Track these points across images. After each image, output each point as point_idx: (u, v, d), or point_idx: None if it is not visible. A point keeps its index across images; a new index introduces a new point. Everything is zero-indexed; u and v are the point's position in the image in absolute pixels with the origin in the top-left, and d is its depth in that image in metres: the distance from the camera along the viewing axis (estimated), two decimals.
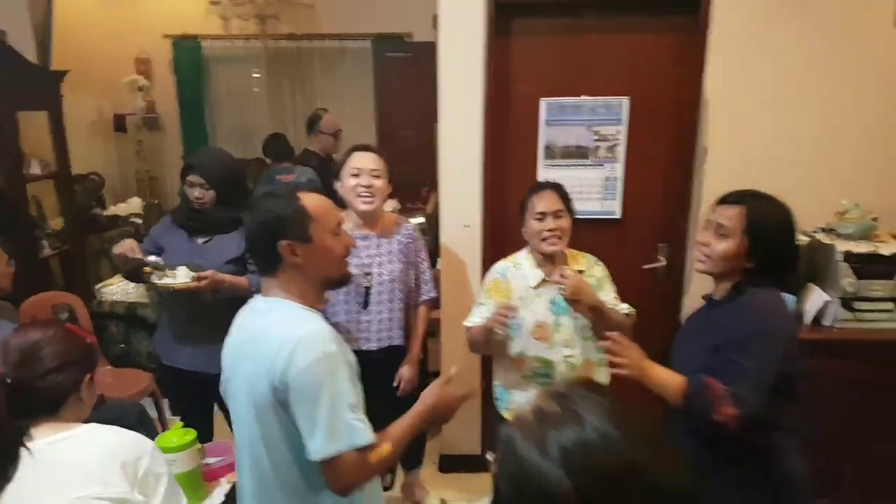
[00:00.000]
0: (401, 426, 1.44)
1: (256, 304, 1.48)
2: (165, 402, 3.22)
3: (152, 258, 2.26)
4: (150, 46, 5.46)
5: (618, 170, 2.84)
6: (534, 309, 2.14)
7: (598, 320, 2.06)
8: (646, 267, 2.92)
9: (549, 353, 2.13)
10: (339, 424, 1.30)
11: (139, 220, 4.63)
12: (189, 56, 5.55)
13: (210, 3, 5.01)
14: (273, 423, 1.35)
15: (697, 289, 2.56)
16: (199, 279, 2.22)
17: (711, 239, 1.67)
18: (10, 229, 3.18)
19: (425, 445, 2.90)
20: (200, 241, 2.42)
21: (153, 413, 3.04)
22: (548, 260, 2.15)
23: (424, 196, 4.30)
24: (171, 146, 5.67)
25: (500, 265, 2.26)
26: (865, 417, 2.49)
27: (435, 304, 2.69)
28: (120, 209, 4.60)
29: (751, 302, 1.62)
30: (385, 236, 2.43)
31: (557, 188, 2.18)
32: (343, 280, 1.54)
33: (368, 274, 2.37)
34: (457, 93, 2.73)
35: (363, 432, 1.32)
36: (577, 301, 2.02)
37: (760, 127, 2.69)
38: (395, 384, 2.49)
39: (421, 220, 3.71)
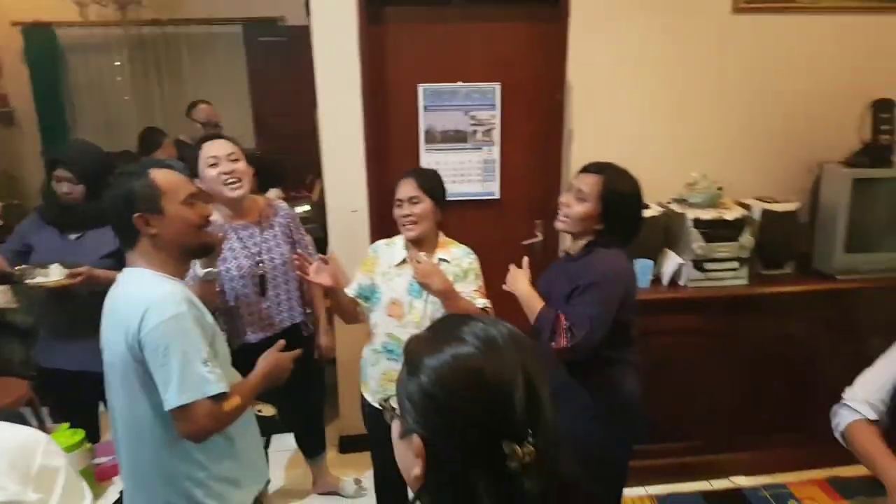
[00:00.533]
0: (246, 385, 1.63)
1: (121, 276, 1.57)
2: (45, 410, 3.05)
3: (18, 267, 2.18)
4: None
5: (495, 152, 3.00)
6: (393, 286, 2.18)
7: (450, 308, 2.08)
8: (524, 243, 3.12)
9: (399, 331, 2.16)
10: (192, 376, 1.42)
11: None
12: (43, 45, 5.13)
13: None
14: (134, 381, 1.47)
15: None
16: (73, 276, 2.15)
17: (572, 201, 1.94)
18: None
19: (324, 431, 2.95)
20: (73, 237, 2.33)
21: (33, 422, 2.87)
22: (415, 244, 2.19)
23: (309, 184, 4.29)
24: (29, 142, 5.24)
25: (377, 242, 2.34)
26: (716, 359, 2.81)
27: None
28: None
29: (597, 258, 1.92)
30: (264, 221, 2.43)
31: (418, 175, 2.20)
32: (205, 247, 1.66)
33: (260, 262, 2.38)
34: (334, 80, 2.78)
35: (215, 383, 1.45)
36: (427, 285, 2.05)
37: (619, 108, 2.94)
38: (315, 357, 2.63)
39: (307, 207, 3.72)
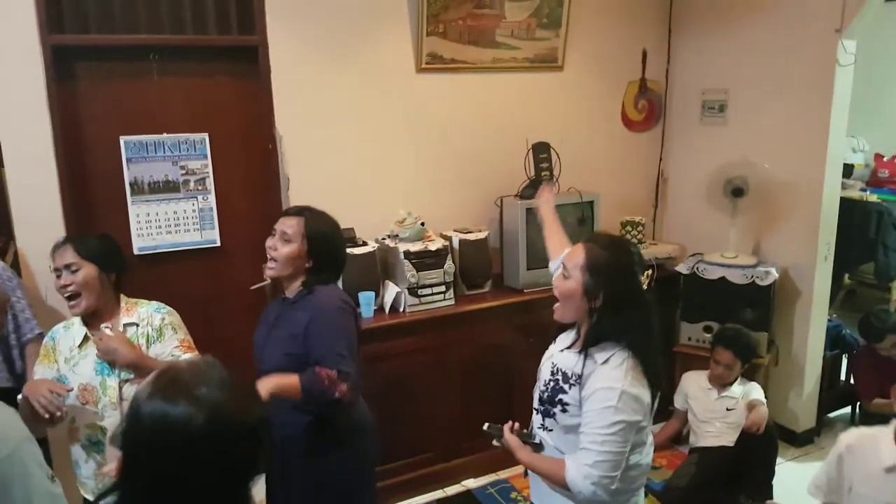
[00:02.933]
0: None
1: None
2: None
3: None
4: None
5: (211, 200, 3.02)
6: (80, 371, 1.96)
7: (142, 376, 1.85)
8: (253, 287, 3.15)
9: (98, 419, 1.95)
10: (47, 499, 1.35)
11: None
12: None
13: None
14: None
15: None
16: None
17: (278, 244, 2.02)
18: None
19: None
20: None
21: None
22: (92, 316, 1.99)
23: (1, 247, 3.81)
24: None
25: (55, 328, 2.08)
26: (438, 374, 3.13)
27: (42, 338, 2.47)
28: None
29: (321, 295, 1.98)
30: None
31: (73, 241, 2.00)
32: None
33: None
34: (21, 139, 2.60)
35: (62, 498, 1.40)
36: (112, 361, 1.92)
37: (329, 156, 3.18)
38: None
39: None
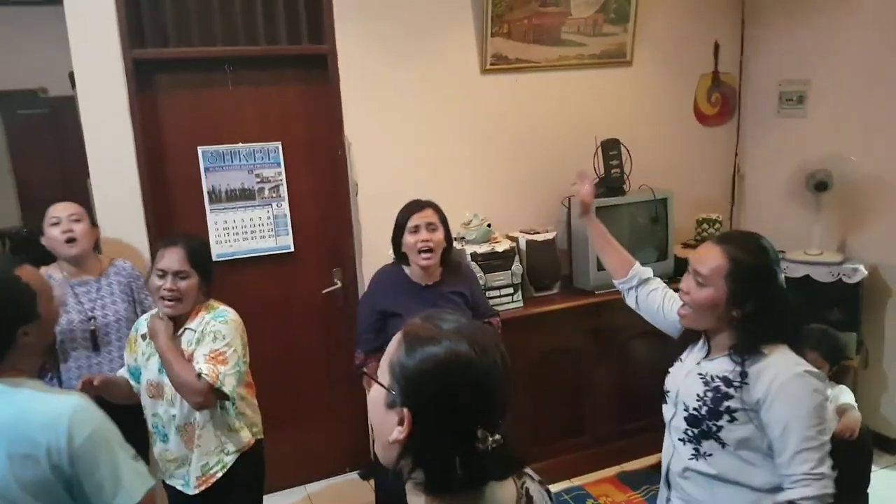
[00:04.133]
0: None
1: None
2: None
3: None
4: None
5: (285, 207, 3.09)
6: (148, 367, 2.05)
7: (167, 370, 1.95)
8: (324, 291, 3.23)
9: (161, 410, 2.05)
10: (133, 475, 1.41)
11: None
12: None
13: None
14: (50, 501, 1.34)
15: None
16: None
17: (429, 233, 2.43)
18: None
19: None
20: None
21: None
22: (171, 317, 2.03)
23: None
24: None
25: (142, 317, 2.16)
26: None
27: None
28: None
29: (463, 265, 2.51)
30: (102, 278, 2.49)
31: (187, 243, 2.03)
32: (52, 345, 1.63)
33: (92, 318, 2.41)
34: (106, 149, 2.72)
35: (148, 475, 1.45)
36: (154, 341, 1.98)
37: (396, 160, 3.20)
38: None
39: None
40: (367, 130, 3.12)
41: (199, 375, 1.89)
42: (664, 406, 1.74)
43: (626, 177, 3.33)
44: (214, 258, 2.97)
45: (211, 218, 2.97)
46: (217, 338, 1.98)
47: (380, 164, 3.17)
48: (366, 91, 3.09)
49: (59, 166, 4.89)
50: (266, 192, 3.06)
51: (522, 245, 3.18)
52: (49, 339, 1.51)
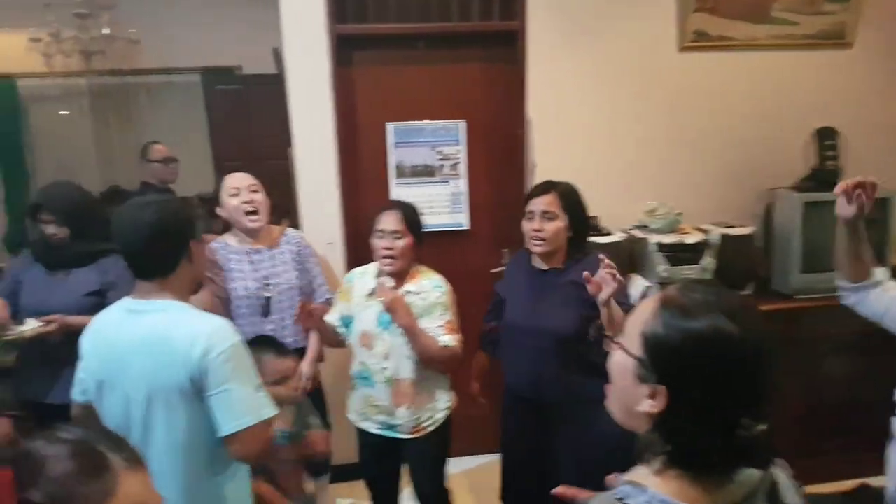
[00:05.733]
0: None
1: (133, 305, 1.54)
2: None
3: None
4: None
5: (462, 185, 3.09)
6: (363, 318, 2.21)
7: (412, 343, 2.12)
8: (493, 271, 3.18)
9: (371, 361, 2.20)
10: (252, 400, 1.49)
11: None
12: (3, 96, 5.15)
13: (30, 40, 4.71)
14: (187, 410, 1.48)
15: None
16: (47, 322, 2.19)
17: (543, 223, 2.11)
18: None
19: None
20: (59, 275, 2.36)
21: None
22: (391, 276, 2.21)
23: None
24: None
25: (352, 272, 2.37)
26: None
27: (330, 304, 2.74)
28: None
29: (592, 259, 2.03)
30: (275, 247, 2.55)
31: (403, 208, 2.21)
32: (199, 285, 1.75)
33: (267, 285, 2.47)
34: (309, 121, 2.86)
35: (269, 406, 1.52)
36: (393, 317, 2.09)
37: (577, 141, 3.07)
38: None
39: None
40: (549, 109, 3.02)
41: (447, 347, 2.12)
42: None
43: (841, 170, 2.94)
44: None
45: (395, 192, 3.03)
46: (445, 310, 2.19)
47: (560, 144, 3.06)
48: (551, 69, 2.99)
49: (247, 139, 5.28)
50: (446, 168, 3.07)
51: (715, 239, 2.91)
52: (201, 273, 1.64)
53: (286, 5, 2.77)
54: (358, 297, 2.24)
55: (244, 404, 1.47)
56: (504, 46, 2.99)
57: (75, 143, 5.42)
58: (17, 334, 2.20)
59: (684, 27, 3.02)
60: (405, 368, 2.17)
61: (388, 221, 2.16)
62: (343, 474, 3.14)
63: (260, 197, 2.48)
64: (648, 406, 0.87)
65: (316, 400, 2.84)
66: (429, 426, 2.24)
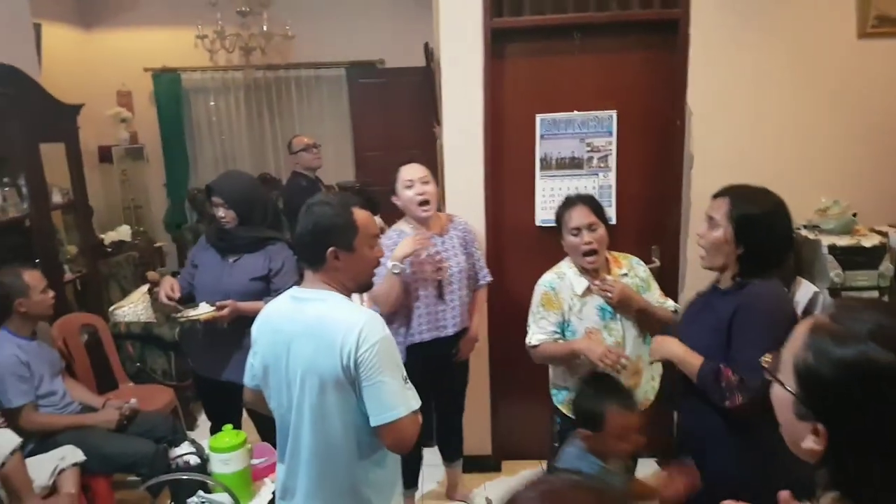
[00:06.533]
0: None
1: (298, 293, 1.63)
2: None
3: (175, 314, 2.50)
4: (130, 80, 5.57)
5: (611, 178, 3.01)
6: (583, 316, 2.19)
7: (645, 320, 2.15)
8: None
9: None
10: (401, 392, 1.54)
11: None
12: (169, 88, 5.66)
13: (197, 37, 5.15)
14: (339, 398, 1.54)
15: (692, 285, 2.74)
16: (220, 308, 2.39)
17: (704, 230, 1.80)
18: (38, 256, 3.24)
19: (463, 439, 3.02)
20: (230, 259, 2.58)
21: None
22: (595, 270, 2.19)
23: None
24: (154, 175, 5.73)
25: (546, 278, 2.28)
26: None
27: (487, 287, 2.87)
28: (110, 237, 4.60)
29: (754, 291, 1.70)
30: (444, 234, 2.67)
31: (588, 201, 2.20)
32: (365, 287, 1.76)
33: (441, 269, 2.59)
34: (458, 114, 2.92)
35: (415, 398, 1.57)
36: (625, 307, 2.11)
37: (741, 134, 2.90)
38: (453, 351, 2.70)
39: None
40: (711, 100, 2.88)
41: (674, 311, 2.22)
42: None
43: None
44: (538, 223, 3.04)
45: (539, 184, 3.01)
46: (655, 281, 2.30)
47: (722, 136, 2.90)
48: (716, 57, 2.84)
49: (386, 131, 5.48)
50: (595, 161, 3.01)
51: (894, 242, 2.67)
52: (357, 279, 1.65)
53: (444, 1, 2.83)
54: (569, 300, 2.21)
55: (396, 396, 1.52)
56: (663, 34, 2.88)
57: (230, 132, 5.86)
58: (193, 317, 2.41)
59: (865, 11, 2.77)
60: (642, 349, 2.21)
61: (580, 216, 2.16)
62: (473, 466, 3.20)
63: (430, 188, 2.58)
64: (812, 442, 0.82)
65: (463, 375, 2.93)
66: (652, 397, 2.28)
